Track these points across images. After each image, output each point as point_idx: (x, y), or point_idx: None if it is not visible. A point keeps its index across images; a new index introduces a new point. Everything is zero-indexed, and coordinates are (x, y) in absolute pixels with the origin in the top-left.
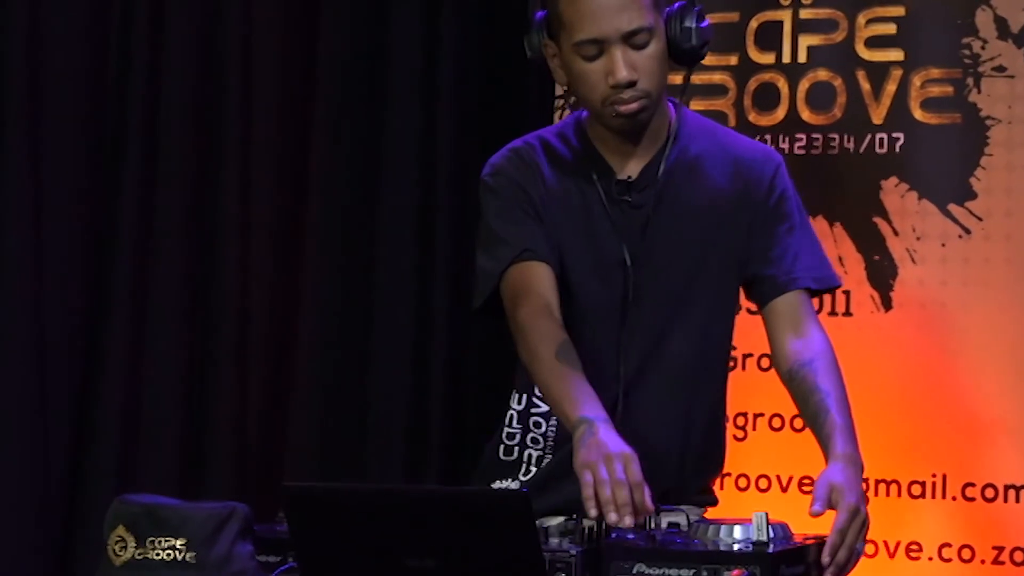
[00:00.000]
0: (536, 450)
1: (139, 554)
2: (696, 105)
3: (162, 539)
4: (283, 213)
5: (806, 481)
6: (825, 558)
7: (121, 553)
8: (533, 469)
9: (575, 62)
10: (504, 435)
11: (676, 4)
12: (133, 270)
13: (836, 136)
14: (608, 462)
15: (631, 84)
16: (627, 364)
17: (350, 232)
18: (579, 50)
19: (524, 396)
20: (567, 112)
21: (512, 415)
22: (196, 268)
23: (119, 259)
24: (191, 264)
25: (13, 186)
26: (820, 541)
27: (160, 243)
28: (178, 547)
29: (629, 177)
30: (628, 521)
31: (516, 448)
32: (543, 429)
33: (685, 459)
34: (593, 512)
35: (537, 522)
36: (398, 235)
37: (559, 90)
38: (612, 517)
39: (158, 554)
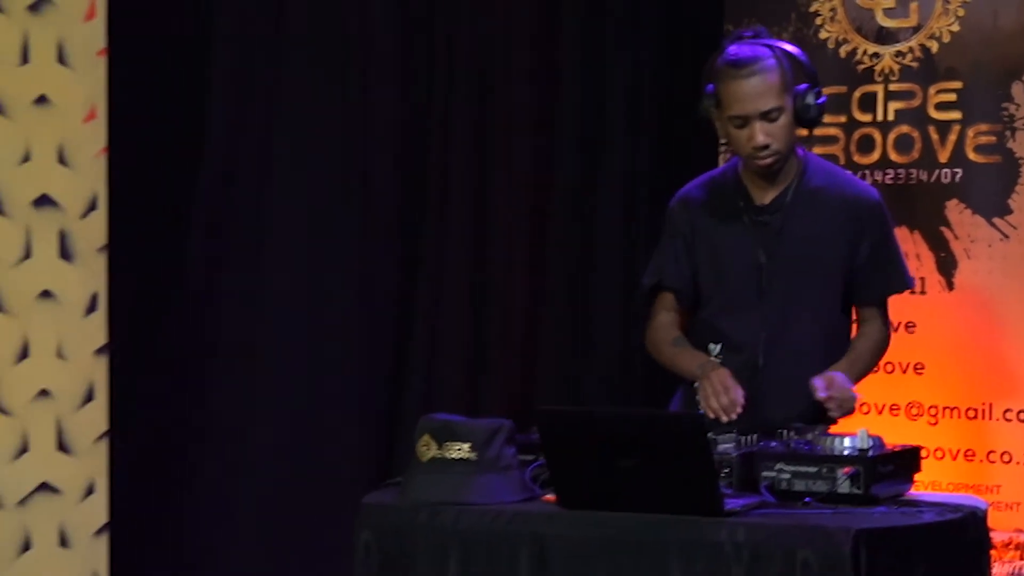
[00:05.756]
0: None
1: (438, 454)
2: (817, 150)
3: (454, 443)
4: (534, 228)
5: (894, 407)
6: (821, 394)
7: (426, 453)
8: None
9: (728, 127)
10: None
11: (802, 86)
12: (433, 261)
13: (914, 171)
14: (709, 381)
15: (766, 147)
16: (764, 341)
17: (576, 242)
18: (730, 121)
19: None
20: (728, 155)
21: None
22: (475, 264)
23: (423, 251)
24: (472, 260)
25: (348, 209)
26: (905, 448)
27: (451, 235)
28: (465, 449)
29: (762, 204)
30: (733, 417)
31: None
32: None
33: (806, 411)
34: (711, 416)
35: (709, 435)
36: (610, 246)
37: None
38: (723, 418)
39: (451, 453)
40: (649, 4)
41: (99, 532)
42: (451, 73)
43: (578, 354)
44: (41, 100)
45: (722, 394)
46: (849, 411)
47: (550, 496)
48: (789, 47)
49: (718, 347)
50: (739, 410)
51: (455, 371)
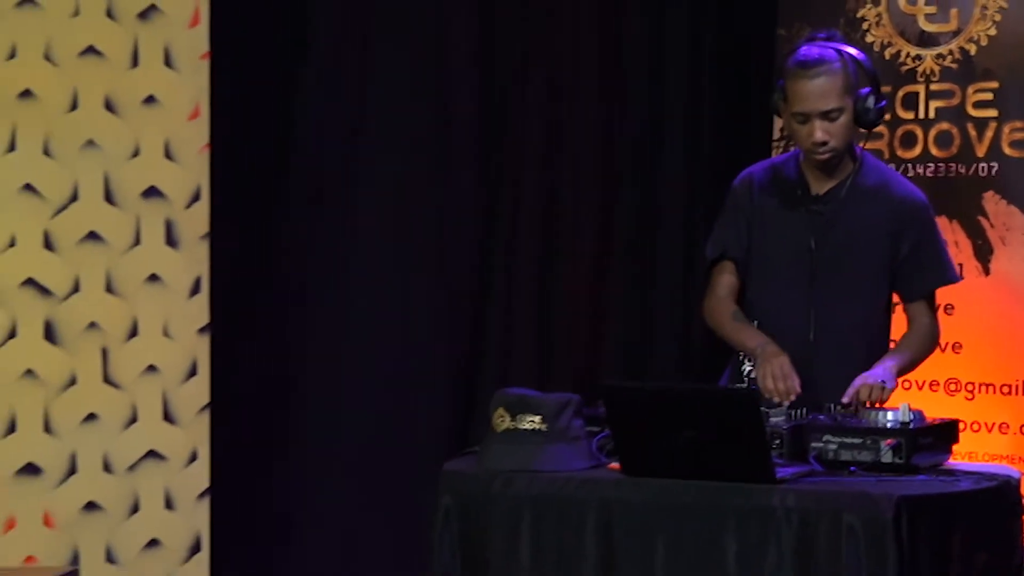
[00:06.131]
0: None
1: (512, 425)
2: (863, 145)
3: (527, 415)
4: (602, 217)
5: (934, 383)
6: (850, 392)
7: (501, 424)
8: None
9: (792, 123)
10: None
11: (864, 89)
12: (507, 249)
13: (954, 165)
14: (771, 366)
15: (824, 144)
16: (814, 322)
17: (640, 229)
18: (794, 117)
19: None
20: (782, 148)
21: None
22: (545, 251)
23: (497, 233)
24: (542, 248)
25: (431, 199)
26: (944, 421)
27: (523, 226)
28: (537, 421)
29: (818, 194)
30: (789, 399)
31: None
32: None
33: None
34: (766, 396)
35: (762, 408)
36: (672, 232)
37: (777, 134)
38: (776, 400)
39: (524, 425)
40: (706, 8)
41: (202, 496)
42: (524, 67)
43: (642, 333)
44: (149, 100)
45: (780, 380)
46: (881, 402)
47: (615, 465)
48: (855, 52)
49: (755, 323)
50: (793, 398)
51: (528, 349)
